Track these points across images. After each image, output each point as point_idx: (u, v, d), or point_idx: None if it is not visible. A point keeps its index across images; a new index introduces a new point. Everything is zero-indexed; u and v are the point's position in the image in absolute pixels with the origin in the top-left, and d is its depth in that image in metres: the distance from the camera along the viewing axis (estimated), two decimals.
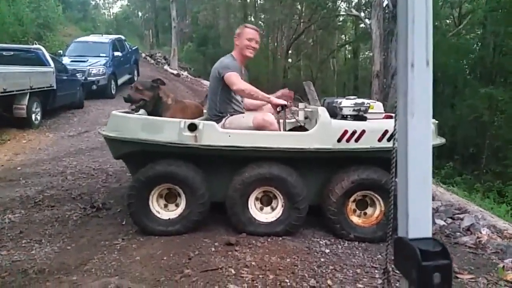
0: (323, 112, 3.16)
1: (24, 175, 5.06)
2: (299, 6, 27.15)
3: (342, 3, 26.87)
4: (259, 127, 3.24)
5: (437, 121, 3.38)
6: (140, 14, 36.61)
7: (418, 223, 0.91)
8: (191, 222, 3.19)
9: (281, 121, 3.44)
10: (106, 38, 13.85)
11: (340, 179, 3.19)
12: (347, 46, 31.14)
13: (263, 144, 3.07)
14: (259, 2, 30.56)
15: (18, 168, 5.42)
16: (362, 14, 20.87)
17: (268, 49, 30.17)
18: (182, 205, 3.22)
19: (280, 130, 3.32)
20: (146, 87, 3.62)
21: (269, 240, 3.13)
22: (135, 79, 14.53)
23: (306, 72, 30.05)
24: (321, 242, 3.18)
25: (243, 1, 29.22)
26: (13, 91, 7.22)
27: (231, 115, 3.51)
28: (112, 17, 35.79)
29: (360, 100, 3.33)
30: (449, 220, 4.05)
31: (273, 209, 3.29)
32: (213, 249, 2.92)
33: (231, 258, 2.78)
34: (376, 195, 3.24)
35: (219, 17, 28.68)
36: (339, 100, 3.41)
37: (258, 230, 3.20)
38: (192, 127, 3.09)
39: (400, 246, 0.92)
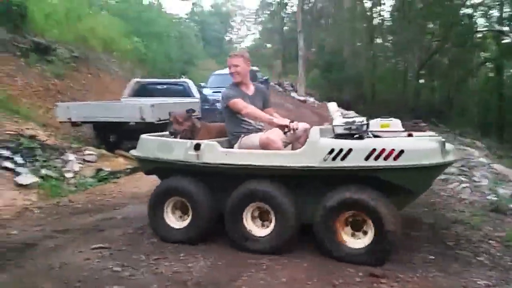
0: (313, 130, 3.22)
1: None
2: (431, 25, 25.55)
3: (480, 18, 24.33)
4: (263, 145, 3.48)
5: (443, 139, 3.17)
6: (269, 45, 38.92)
7: None
8: (199, 227, 3.52)
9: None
10: None
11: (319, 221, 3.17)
12: (488, 63, 27.94)
13: (255, 163, 3.25)
14: (385, 23, 29.69)
15: None
16: (506, 28, 18.60)
17: (396, 70, 28.89)
18: (190, 213, 3.55)
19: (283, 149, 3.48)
20: (184, 118, 3.99)
21: (417, 275, 2.93)
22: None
23: (442, 92, 27.89)
24: (479, 282, 2.84)
25: (369, 24, 28.70)
26: (165, 120, 8.25)
27: (246, 134, 3.77)
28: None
29: (351, 119, 3.35)
30: None
31: (271, 221, 3.34)
32: (357, 279, 2.84)
33: None
34: (357, 212, 3.10)
35: (344, 42, 28.56)
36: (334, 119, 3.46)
37: (259, 247, 3.31)
38: (197, 147, 3.42)
39: None
